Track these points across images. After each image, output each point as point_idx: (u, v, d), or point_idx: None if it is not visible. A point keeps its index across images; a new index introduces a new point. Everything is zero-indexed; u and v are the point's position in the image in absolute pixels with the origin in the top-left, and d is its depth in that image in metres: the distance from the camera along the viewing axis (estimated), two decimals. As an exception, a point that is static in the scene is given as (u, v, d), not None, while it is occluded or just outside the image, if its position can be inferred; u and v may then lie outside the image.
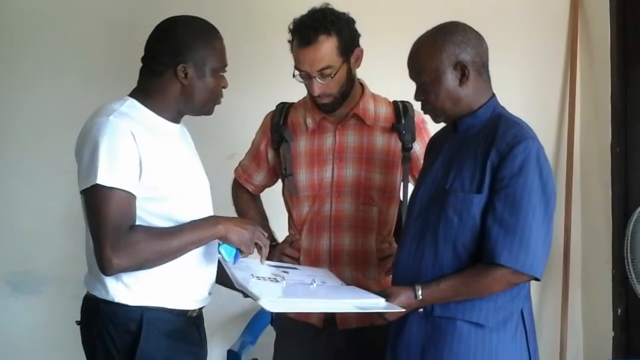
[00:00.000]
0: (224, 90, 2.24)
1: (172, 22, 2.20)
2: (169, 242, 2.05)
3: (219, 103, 2.25)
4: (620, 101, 3.56)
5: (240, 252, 2.16)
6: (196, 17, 2.22)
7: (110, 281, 2.06)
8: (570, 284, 3.75)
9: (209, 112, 2.25)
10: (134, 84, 2.21)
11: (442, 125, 2.31)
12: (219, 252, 2.14)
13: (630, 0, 3.53)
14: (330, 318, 2.52)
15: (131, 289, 2.07)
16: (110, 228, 1.97)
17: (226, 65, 2.22)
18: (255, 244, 2.18)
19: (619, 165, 3.57)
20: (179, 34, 2.16)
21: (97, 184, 1.97)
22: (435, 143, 2.36)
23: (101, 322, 2.09)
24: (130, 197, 2.01)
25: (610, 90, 3.59)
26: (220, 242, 2.15)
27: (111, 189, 1.98)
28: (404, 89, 2.27)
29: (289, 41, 2.50)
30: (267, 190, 2.82)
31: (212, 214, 2.25)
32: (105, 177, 1.97)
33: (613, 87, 3.58)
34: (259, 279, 2.18)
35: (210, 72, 2.16)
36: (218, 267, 2.25)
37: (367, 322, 2.41)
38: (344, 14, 2.49)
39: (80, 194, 2.06)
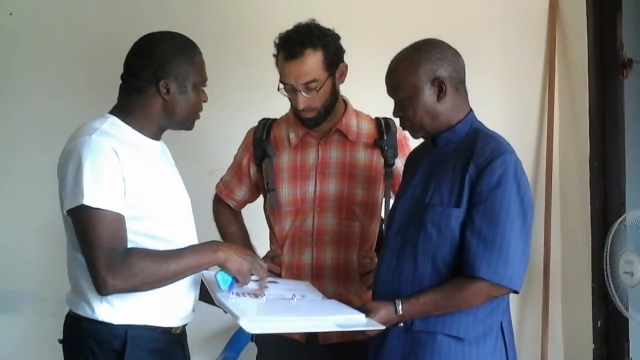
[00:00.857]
0: (205, 105, 2.24)
1: (151, 38, 2.20)
2: (166, 266, 2.04)
3: (198, 117, 2.25)
4: (597, 115, 3.59)
5: (236, 281, 2.16)
6: (175, 33, 2.22)
7: (94, 300, 2.05)
8: (551, 297, 3.76)
9: (190, 126, 2.25)
10: (113, 102, 2.20)
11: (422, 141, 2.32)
12: (215, 279, 2.14)
13: (608, 16, 3.56)
14: (312, 333, 2.51)
15: (115, 308, 2.06)
16: (103, 249, 1.96)
17: (206, 80, 2.23)
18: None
19: (598, 178, 3.59)
20: (159, 49, 2.15)
21: (84, 205, 1.96)
22: (414, 158, 2.38)
23: (85, 340, 2.07)
24: (118, 217, 2.00)
25: (588, 104, 3.62)
26: (219, 269, 2.14)
27: (98, 209, 1.97)
28: (387, 105, 2.29)
29: (274, 55, 2.51)
30: (248, 205, 2.82)
31: (194, 230, 2.26)
32: (91, 197, 1.96)
33: (591, 101, 3.61)
34: (239, 295, 2.17)
35: (192, 86, 2.16)
36: (200, 284, 2.24)
37: (349, 337, 2.41)
38: (329, 29, 2.52)
39: (66, 214, 2.04)
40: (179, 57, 2.15)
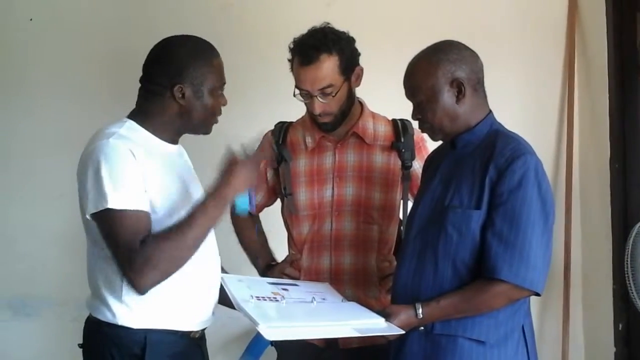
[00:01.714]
0: (222, 108, 2.23)
1: (168, 42, 2.20)
2: (183, 239, 1.99)
3: (216, 122, 2.24)
4: (618, 117, 3.57)
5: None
6: (192, 36, 2.21)
7: (114, 304, 2.05)
8: (571, 299, 3.74)
9: (207, 131, 2.24)
10: (131, 106, 2.20)
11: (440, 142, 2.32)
12: (238, 213, 2.14)
13: (627, 16, 3.54)
14: (332, 338, 2.51)
15: (134, 312, 2.05)
16: (124, 249, 1.96)
17: (224, 83, 2.21)
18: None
19: (618, 181, 3.57)
20: (175, 54, 2.15)
21: (109, 208, 1.96)
22: (432, 160, 2.37)
23: (104, 345, 2.07)
24: (142, 215, 2.00)
25: (608, 106, 3.60)
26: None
27: (122, 211, 1.97)
28: (404, 108, 2.28)
29: (289, 60, 2.51)
30: (266, 209, 2.82)
31: (212, 235, 2.21)
32: (114, 200, 1.96)
33: (611, 103, 3.59)
34: (259, 299, 2.16)
35: (209, 91, 2.15)
36: (220, 287, 2.24)
37: (369, 341, 2.39)
38: (344, 33, 2.51)
39: (88, 218, 2.03)
40: (195, 61, 2.14)
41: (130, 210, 1.98)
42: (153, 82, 2.15)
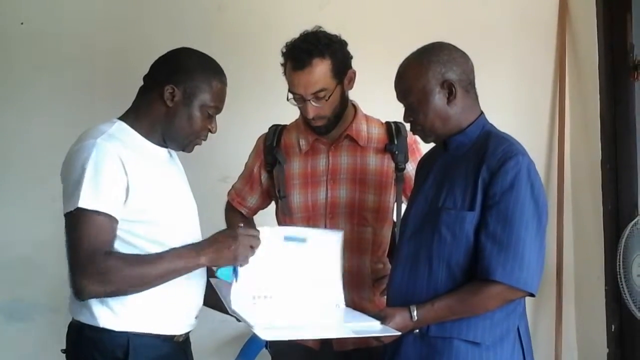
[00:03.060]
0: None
1: (183, 49, 2.22)
2: (147, 271, 2.00)
3: (199, 144, 2.22)
4: (609, 117, 3.57)
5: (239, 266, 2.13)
6: (209, 57, 2.21)
7: (95, 306, 2.04)
8: (564, 300, 3.75)
9: (186, 148, 2.21)
10: (125, 109, 2.20)
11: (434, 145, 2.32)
12: (219, 278, 2.13)
13: (617, 17, 3.55)
14: (325, 340, 2.50)
15: (117, 314, 2.05)
16: (84, 253, 1.95)
17: (218, 109, 2.19)
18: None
19: (610, 181, 3.57)
20: (183, 59, 2.17)
21: (79, 208, 1.96)
22: (425, 163, 2.37)
23: (87, 349, 2.06)
24: (110, 221, 1.99)
25: (599, 106, 3.61)
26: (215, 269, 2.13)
27: (92, 212, 1.96)
28: (396, 110, 2.28)
29: (281, 64, 2.51)
30: (260, 212, 2.82)
31: (199, 237, 2.22)
32: (87, 200, 1.95)
33: (602, 103, 3.60)
34: (254, 299, 2.14)
35: (198, 105, 2.14)
36: (209, 291, 2.24)
37: (363, 343, 2.40)
38: (336, 36, 2.51)
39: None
40: (197, 73, 2.14)
41: (101, 212, 1.97)
42: (151, 76, 2.17)
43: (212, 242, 2.11)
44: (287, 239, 2.25)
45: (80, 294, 1.97)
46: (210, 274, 2.25)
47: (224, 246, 2.09)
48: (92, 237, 1.96)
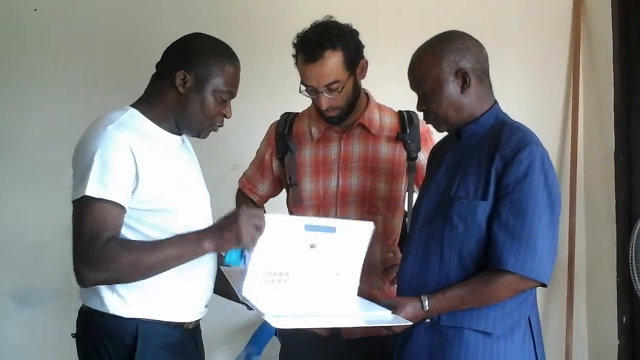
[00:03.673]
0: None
1: (196, 35, 2.21)
2: (147, 256, 1.98)
3: (215, 130, 2.21)
4: (623, 109, 3.56)
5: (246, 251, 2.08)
6: (223, 42, 2.20)
7: (105, 292, 2.05)
8: (575, 292, 3.74)
9: (201, 134, 2.20)
10: (135, 99, 2.20)
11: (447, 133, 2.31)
12: (228, 265, 2.13)
13: (633, 7, 3.54)
14: (335, 328, 2.51)
15: (126, 301, 2.05)
16: (85, 239, 1.94)
17: (232, 94, 2.18)
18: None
19: (623, 173, 3.56)
20: (196, 45, 2.16)
21: (86, 195, 1.95)
22: (437, 152, 2.36)
23: (96, 334, 2.07)
24: (117, 210, 1.99)
25: (613, 97, 3.60)
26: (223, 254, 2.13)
27: (98, 200, 1.96)
28: (409, 99, 2.27)
29: (293, 56, 2.50)
30: (271, 200, 2.82)
31: (209, 222, 2.20)
32: (94, 188, 1.95)
33: (616, 94, 3.59)
34: (267, 279, 2.10)
35: (211, 90, 2.13)
36: (220, 279, 2.23)
37: (372, 332, 2.40)
38: (347, 26, 2.49)
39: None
40: (210, 58, 2.13)
41: (107, 200, 1.96)
42: (164, 64, 2.16)
43: (214, 225, 2.07)
44: (310, 227, 2.17)
45: (81, 281, 1.98)
46: (221, 262, 2.24)
47: (226, 228, 2.01)
48: (94, 225, 1.95)
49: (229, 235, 2.00)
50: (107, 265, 1.95)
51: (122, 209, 2.00)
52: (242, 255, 2.13)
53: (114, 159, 1.98)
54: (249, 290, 2.10)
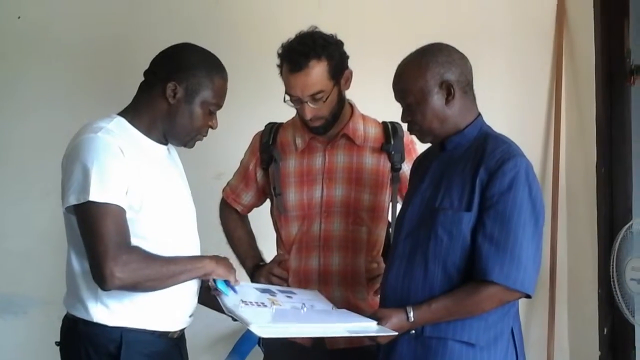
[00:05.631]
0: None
1: (185, 45, 2.22)
2: (166, 267, 2.04)
3: (200, 139, 2.24)
4: (604, 122, 3.58)
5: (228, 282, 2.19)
6: (211, 53, 2.22)
7: (90, 301, 2.05)
8: (557, 303, 3.75)
9: (187, 144, 2.23)
10: (121, 106, 2.20)
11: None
12: (218, 289, 2.15)
13: (615, 22, 3.56)
14: (318, 338, 2.50)
15: (111, 310, 2.05)
16: (112, 242, 1.95)
17: (219, 106, 2.21)
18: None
19: (605, 185, 3.58)
20: (185, 55, 2.17)
21: (90, 201, 1.95)
22: (421, 163, 2.37)
23: (80, 343, 2.06)
24: (123, 212, 2.00)
25: (595, 111, 3.61)
26: (215, 280, 2.16)
27: (104, 204, 1.96)
28: (393, 109, 2.28)
29: (278, 66, 2.50)
30: (254, 209, 2.81)
31: (195, 237, 2.26)
32: (97, 193, 1.95)
33: (598, 108, 3.60)
34: (247, 305, 2.16)
35: (200, 102, 2.15)
36: (204, 289, 2.23)
37: (356, 342, 2.40)
38: (332, 36, 2.50)
39: (66, 211, 2.04)
40: (199, 69, 2.14)
41: (112, 204, 1.97)
42: (154, 73, 2.16)
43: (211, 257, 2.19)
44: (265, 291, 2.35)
45: (107, 282, 1.95)
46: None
47: (220, 260, 2.19)
48: (113, 228, 1.96)
49: (224, 265, 2.17)
50: (138, 270, 1.98)
51: (125, 211, 2.01)
52: (230, 286, 2.19)
53: (110, 163, 1.99)
54: (233, 304, 2.11)
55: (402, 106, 2.20)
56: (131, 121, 2.14)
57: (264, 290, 2.34)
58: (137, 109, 2.16)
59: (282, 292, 2.39)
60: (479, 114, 2.21)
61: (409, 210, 2.24)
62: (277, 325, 2.10)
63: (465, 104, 2.16)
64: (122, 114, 2.17)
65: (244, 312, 2.08)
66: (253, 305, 2.18)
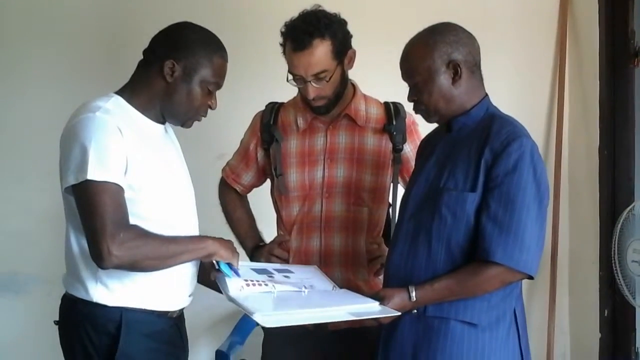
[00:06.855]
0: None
1: (184, 24, 2.20)
2: (166, 246, 2.04)
3: (198, 120, 2.22)
4: (608, 105, 3.58)
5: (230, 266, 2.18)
6: (211, 32, 2.20)
7: (89, 281, 2.05)
8: (558, 285, 3.76)
9: (185, 123, 2.21)
10: (117, 88, 2.19)
11: (434, 126, 2.31)
12: (221, 270, 2.14)
13: (619, 4, 3.54)
14: (320, 319, 2.51)
15: (110, 290, 2.05)
16: (110, 220, 1.94)
17: (219, 85, 2.19)
18: None
19: (607, 168, 3.58)
20: (184, 34, 2.15)
21: (88, 180, 1.94)
22: (428, 143, 2.36)
23: (79, 322, 2.07)
24: (121, 190, 1.99)
25: (599, 93, 3.61)
26: (218, 261, 2.15)
27: (103, 182, 1.95)
28: (396, 90, 2.27)
29: (280, 44, 2.48)
30: (254, 190, 2.80)
31: (194, 217, 2.25)
32: (96, 172, 1.94)
33: (601, 90, 3.60)
34: (248, 285, 2.15)
35: (198, 81, 2.13)
36: (203, 269, 2.23)
37: (358, 323, 2.39)
38: (335, 15, 2.48)
39: (65, 191, 2.03)
40: (198, 48, 2.13)
41: (111, 183, 1.96)
42: (151, 51, 2.15)
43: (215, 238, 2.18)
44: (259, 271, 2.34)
45: (105, 260, 1.94)
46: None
47: (223, 243, 2.17)
48: (112, 206, 1.95)
49: (226, 247, 2.16)
50: (137, 248, 1.97)
51: (123, 190, 2.00)
52: (233, 269, 2.17)
53: (108, 142, 1.98)
54: (235, 290, 2.11)
55: (409, 85, 2.18)
56: (129, 100, 2.13)
57: (261, 272, 2.32)
58: (135, 88, 2.15)
59: (279, 271, 2.37)
60: (486, 95, 2.20)
61: (414, 190, 2.23)
62: (280, 312, 2.08)
63: (472, 84, 2.15)
64: (120, 92, 2.15)
65: (246, 301, 2.06)
66: (255, 285, 2.17)
